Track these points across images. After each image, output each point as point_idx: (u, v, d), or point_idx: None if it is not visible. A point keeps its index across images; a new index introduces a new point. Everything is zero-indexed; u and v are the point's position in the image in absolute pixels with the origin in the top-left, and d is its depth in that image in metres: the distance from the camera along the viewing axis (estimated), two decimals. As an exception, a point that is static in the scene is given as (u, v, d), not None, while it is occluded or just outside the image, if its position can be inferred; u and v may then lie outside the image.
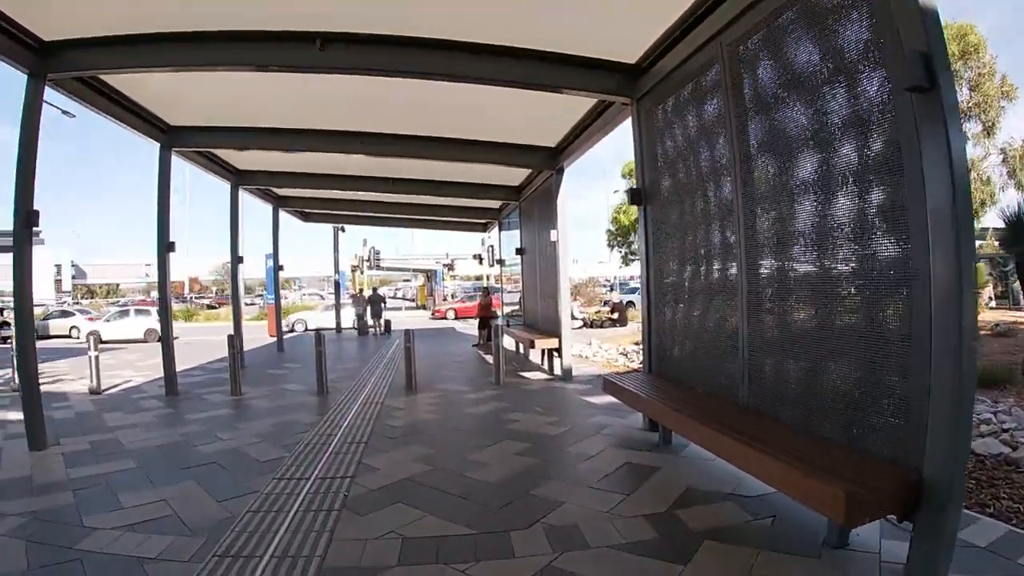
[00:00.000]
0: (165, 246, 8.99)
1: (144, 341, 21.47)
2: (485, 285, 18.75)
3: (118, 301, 48.67)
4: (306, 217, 18.52)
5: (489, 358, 12.59)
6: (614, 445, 5.50)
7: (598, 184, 75.88)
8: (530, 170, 10.63)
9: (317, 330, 12.01)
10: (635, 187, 6.17)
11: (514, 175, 11.57)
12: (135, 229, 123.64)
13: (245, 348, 16.28)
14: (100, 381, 9.71)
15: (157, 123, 8.49)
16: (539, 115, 8.05)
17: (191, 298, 52.82)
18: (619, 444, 5.53)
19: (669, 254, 5.79)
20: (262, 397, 8.73)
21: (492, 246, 25.26)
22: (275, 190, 14.37)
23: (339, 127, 8.77)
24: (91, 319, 23.22)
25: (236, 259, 12.37)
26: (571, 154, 9.08)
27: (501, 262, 16.10)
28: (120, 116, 7.60)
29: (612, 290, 25.03)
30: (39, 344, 14.90)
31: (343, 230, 24.20)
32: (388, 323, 21.28)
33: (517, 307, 14.65)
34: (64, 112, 18.71)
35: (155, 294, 59.01)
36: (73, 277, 60.01)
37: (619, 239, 24.22)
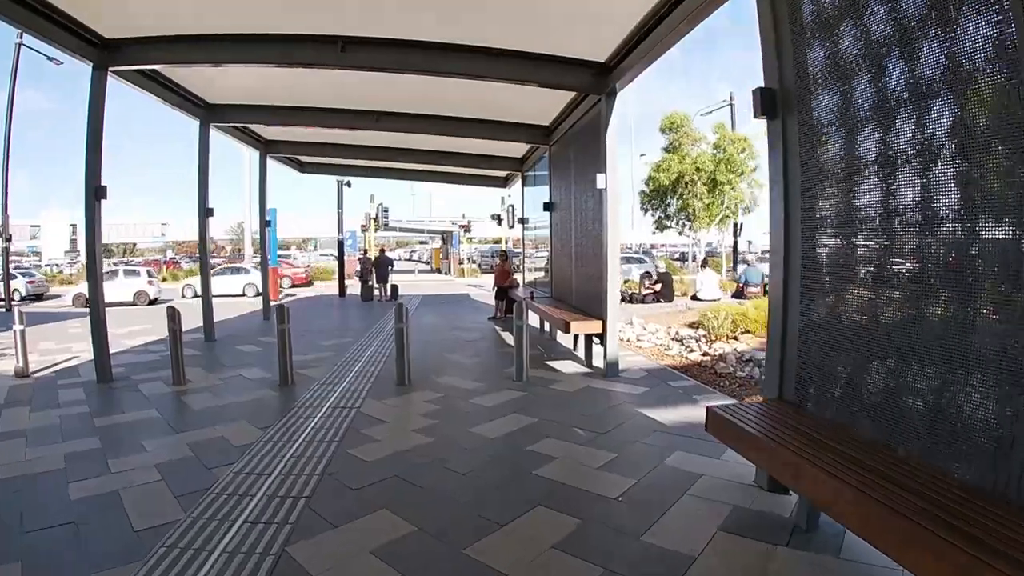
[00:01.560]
0: (205, 212, 10.24)
1: (133, 304, 19.68)
2: (503, 248, 16.23)
3: (130, 261, 47.85)
4: (303, 167, 16.20)
5: (507, 336, 10.37)
6: (723, 526, 3.20)
7: (621, 148, 72.05)
8: (570, 95, 8.12)
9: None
10: (766, 87, 3.73)
11: (545, 109, 9.08)
12: (153, 189, 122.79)
13: (229, 315, 14.40)
14: (28, 361, 7.75)
15: (197, 101, 9.54)
16: (583, 12, 5.69)
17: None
18: (731, 524, 3.23)
19: (837, 209, 3.37)
20: (205, 390, 6.60)
21: (512, 205, 23.06)
22: (259, 128, 12.06)
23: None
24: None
25: (205, 211, 10.18)
26: (627, 71, 6.55)
27: (524, 221, 13.69)
28: (165, 96, 8.64)
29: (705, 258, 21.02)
30: (26, 308, 12.24)
31: (348, 184, 21.83)
32: (395, 288, 19.09)
33: (543, 274, 12.33)
34: (49, 59, 16.76)
35: (171, 253, 59.93)
36: None
37: (654, 201, 21.57)
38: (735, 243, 26.90)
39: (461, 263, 36.29)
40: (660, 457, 4.33)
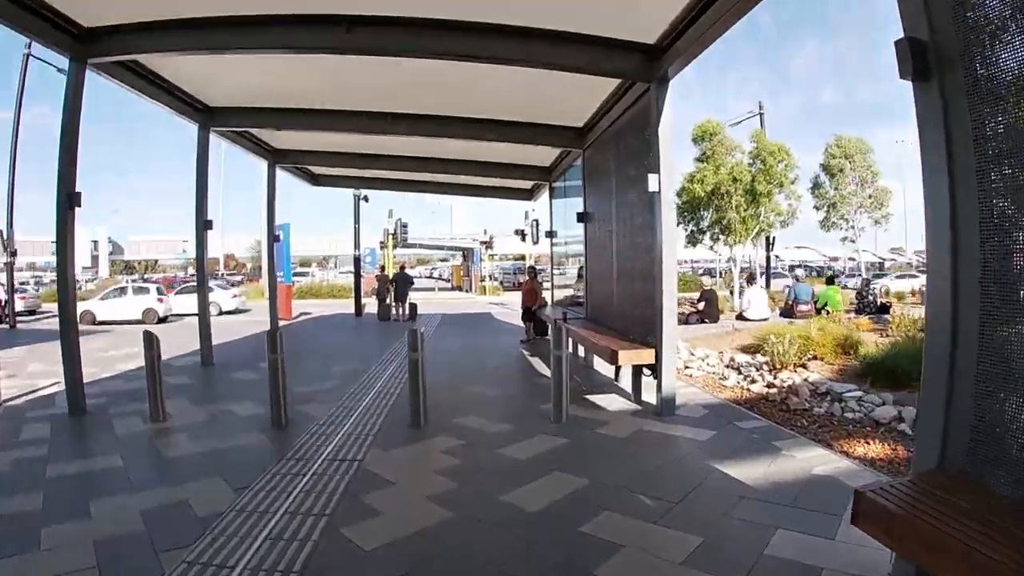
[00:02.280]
0: (203, 224, 9.27)
1: (142, 322, 18.96)
2: (531, 264, 15.13)
3: (150, 278, 48.11)
4: (316, 179, 15.37)
5: (537, 363, 9.24)
6: None
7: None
8: (608, 90, 7.08)
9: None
10: (914, 37, 2.61)
11: (578, 107, 8.06)
12: (175, 206, 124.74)
13: (235, 336, 13.51)
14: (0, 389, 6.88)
15: (194, 103, 8.66)
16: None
17: (223, 274, 51.57)
18: None
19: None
20: (183, 430, 5.59)
21: (536, 220, 22.04)
22: (267, 136, 11.22)
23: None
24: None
25: (203, 223, 9.29)
26: (680, 54, 5.48)
27: (552, 234, 12.61)
28: (158, 97, 7.80)
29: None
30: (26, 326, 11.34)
31: (366, 199, 21.03)
32: (414, 307, 18.09)
33: (574, 292, 11.21)
34: (59, 70, 16.36)
35: (192, 270, 60.04)
36: (110, 253, 59.96)
37: (687, 215, 20.32)
38: (767, 257, 25.52)
39: (483, 280, 35.29)
40: (760, 540, 3.15)
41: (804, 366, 7.57)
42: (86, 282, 38.20)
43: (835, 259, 61.31)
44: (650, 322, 6.12)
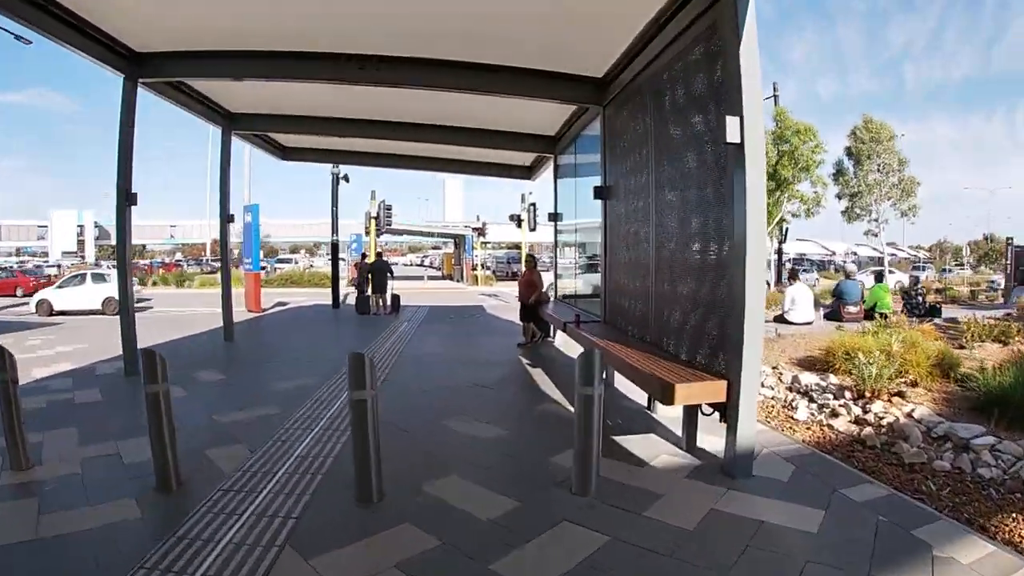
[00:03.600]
0: (125, 196, 7.44)
1: (102, 312, 16.92)
2: (530, 252, 12.98)
3: (138, 263, 46.58)
4: (286, 152, 13.29)
5: (542, 377, 7.34)
6: None
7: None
8: (653, 12, 5.10)
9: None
10: None
11: (599, 51, 6.18)
12: (167, 191, 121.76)
13: (186, 332, 11.50)
14: None
15: (118, 47, 6.83)
16: None
17: (206, 260, 49.69)
18: None
19: None
20: (32, 492, 3.70)
21: (534, 204, 20.07)
22: (217, 90, 9.14)
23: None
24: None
25: (226, 217, 8.13)
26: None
27: (556, 217, 10.64)
28: (76, 42, 6.19)
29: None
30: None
31: (346, 178, 18.91)
32: (396, 299, 16.07)
33: (584, 287, 9.29)
34: (18, 38, 14.32)
35: (179, 256, 58.35)
36: (97, 238, 57.77)
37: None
38: (779, 250, 23.68)
39: (474, 269, 33.28)
40: None
41: (900, 394, 5.68)
42: (69, 267, 35.93)
43: (833, 253, 59.65)
44: (716, 339, 4.21)
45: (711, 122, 4.37)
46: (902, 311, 11.20)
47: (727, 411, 3.98)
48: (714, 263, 4.30)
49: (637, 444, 4.69)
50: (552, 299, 10.56)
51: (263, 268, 41.27)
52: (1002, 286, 21.16)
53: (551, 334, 10.34)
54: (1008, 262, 20.31)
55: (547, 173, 13.11)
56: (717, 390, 3.98)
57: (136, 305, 18.14)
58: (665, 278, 5.27)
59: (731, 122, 3.87)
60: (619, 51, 6.10)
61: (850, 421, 5.30)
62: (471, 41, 6.34)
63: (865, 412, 5.37)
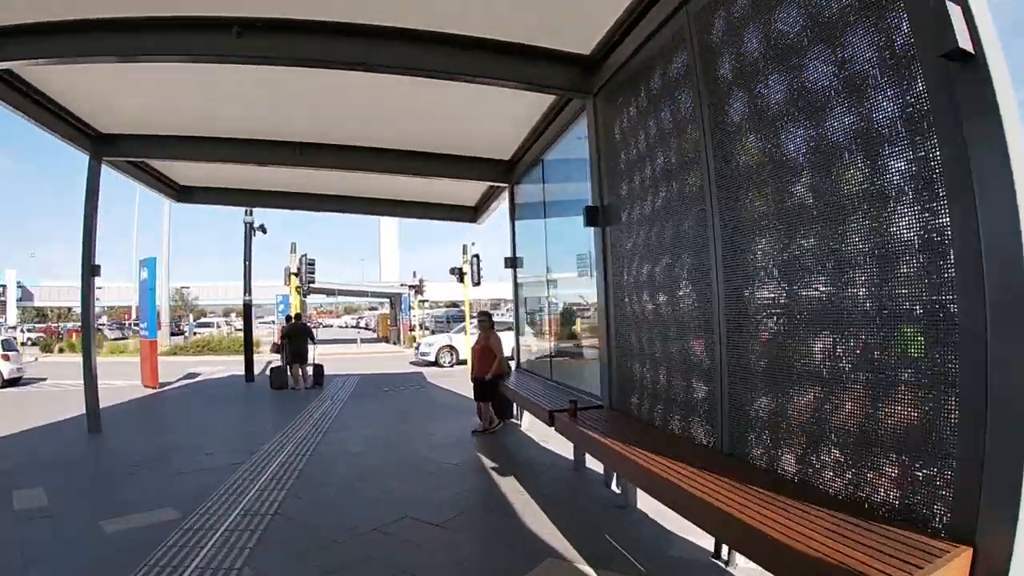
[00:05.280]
0: (90, 270, 7.63)
1: None
2: (484, 311, 10.33)
3: (61, 327, 43.41)
4: (182, 193, 10.60)
5: (515, 489, 4.92)
6: None
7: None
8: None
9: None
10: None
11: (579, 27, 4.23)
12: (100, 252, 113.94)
13: (64, 414, 8.39)
14: None
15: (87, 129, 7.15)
16: None
17: (129, 323, 45.22)
18: None
19: None
20: None
21: (477, 256, 18.05)
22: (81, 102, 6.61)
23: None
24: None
25: (90, 268, 7.30)
26: None
27: (515, 263, 8.47)
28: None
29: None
30: None
31: (263, 229, 16.20)
32: (320, 370, 13.21)
33: (557, 355, 7.06)
34: None
35: (105, 320, 52.67)
36: (19, 299, 51.94)
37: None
38: None
39: (412, 331, 30.49)
40: None
41: None
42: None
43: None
44: (934, 462, 2.01)
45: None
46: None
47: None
48: (929, 301, 2.14)
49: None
50: (513, 368, 8.26)
51: (181, 334, 36.96)
52: None
53: (514, 413, 7.99)
54: None
55: (494, 216, 11.09)
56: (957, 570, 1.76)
57: (25, 377, 14.74)
58: (751, 335, 3.08)
59: (953, 11, 1.83)
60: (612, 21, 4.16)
61: None
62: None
63: None
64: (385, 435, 7.48)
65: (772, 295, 2.92)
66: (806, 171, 2.67)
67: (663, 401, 4.05)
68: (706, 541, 3.51)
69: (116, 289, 54.74)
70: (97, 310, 41.72)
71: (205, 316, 56.70)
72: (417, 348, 19.69)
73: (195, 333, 37.16)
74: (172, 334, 33.88)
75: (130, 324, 44.62)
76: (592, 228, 4.95)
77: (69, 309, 58.86)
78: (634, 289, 4.41)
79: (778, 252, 2.86)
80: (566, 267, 6.72)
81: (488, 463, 5.88)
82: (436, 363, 18.00)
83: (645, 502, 4.18)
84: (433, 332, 28.40)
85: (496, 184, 8.73)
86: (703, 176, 3.43)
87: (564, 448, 5.93)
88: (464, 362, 17.10)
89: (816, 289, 2.61)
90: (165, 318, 30.88)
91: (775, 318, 2.90)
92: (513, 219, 8.66)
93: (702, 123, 3.42)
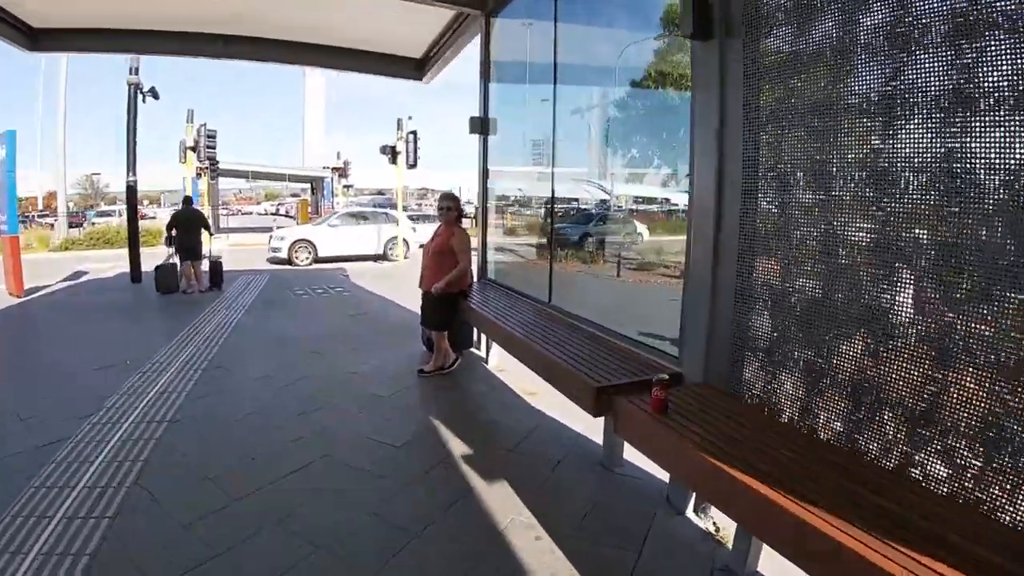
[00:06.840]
0: None
1: None
2: (450, 192, 7.36)
3: None
4: (34, 35, 7.25)
5: (498, 499, 2.84)
6: None
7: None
8: None
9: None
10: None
11: None
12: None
13: None
14: None
15: None
16: None
17: (33, 216, 38.80)
18: None
19: None
20: None
21: (414, 132, 15.25)
22: None
23: None
24: None
25: None
26: None
27: (485, 127, 6.00)
28: None
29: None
30: None
31: (153, 93, 12.17)
32: (218, 267, 10.41)
33: (539, 263, 4.88)
34: None
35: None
36: None
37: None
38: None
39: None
40: None
41: None
42: None
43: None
44: None
45: None
46: None
47: None
48: None
49: None
50: (475, 277, 6.01)
51: (78, 225, 30.96)
52: None
53: (475, 341, 5.89)
54: None
55: (448, 71, 8.34)
56: None
57: None
58: None
59: None
60: None
61: None
62: None
63: None
64: (291, 369, 5.17)
65: None
66: None
67: (848, 399, 1.98)
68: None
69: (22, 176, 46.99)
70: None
71: (117, 204, 50.11)
72: (269, 243, 15.71)
73: (93, 224, 31.54)
74: (71, 225, 28.46)
75: (33, 216, 38.02)
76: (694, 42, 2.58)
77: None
78: (800, 176, 2.17)
79: None
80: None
81: (455, 447, 3.70)
82: (289, 261, 14.58)
83: (774, 565, 2.23)
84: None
85: (466, 9, 5.88)
86: None
87: (563, 410, 3.90)
88: (323, 260, 14.79)
89: None
90: (62, 208, 26.64)
91: None
92: (487, 61, 6.00)
93: None
